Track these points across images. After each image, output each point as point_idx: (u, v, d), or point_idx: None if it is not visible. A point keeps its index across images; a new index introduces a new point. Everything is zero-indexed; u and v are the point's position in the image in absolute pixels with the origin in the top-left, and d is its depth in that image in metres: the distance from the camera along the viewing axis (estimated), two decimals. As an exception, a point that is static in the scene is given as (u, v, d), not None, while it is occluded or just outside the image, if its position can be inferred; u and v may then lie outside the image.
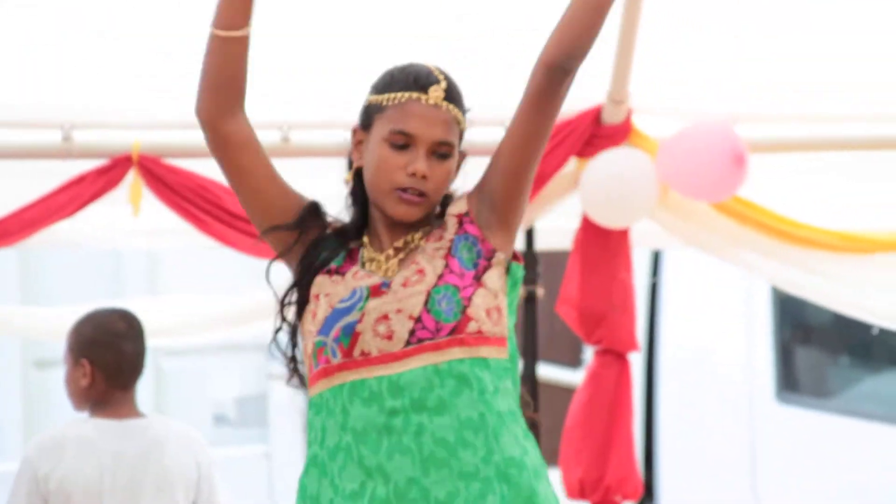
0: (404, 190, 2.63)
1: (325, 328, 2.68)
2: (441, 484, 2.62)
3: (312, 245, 2.77)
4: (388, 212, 2.67)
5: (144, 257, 10.58)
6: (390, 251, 2.72)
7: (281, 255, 2.77)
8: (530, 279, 4.91)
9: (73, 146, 5.07)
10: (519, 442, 2.69)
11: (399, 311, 2.64)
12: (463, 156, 2.72)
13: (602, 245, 4.81)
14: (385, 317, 2.66)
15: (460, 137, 2.74)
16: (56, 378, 5.46)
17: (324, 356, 2.66)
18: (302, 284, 2.73)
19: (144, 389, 6.21)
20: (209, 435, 7.63)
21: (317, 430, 2.73)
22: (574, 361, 8.40)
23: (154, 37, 4.96)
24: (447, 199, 2.77)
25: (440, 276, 2.67)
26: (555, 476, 4.42)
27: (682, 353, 8.62)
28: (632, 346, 5.20)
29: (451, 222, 2.74)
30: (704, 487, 8.36)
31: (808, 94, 4.97)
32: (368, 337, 2.65)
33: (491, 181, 2.74)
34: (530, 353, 5.32)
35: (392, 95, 2.71)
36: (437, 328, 2.64)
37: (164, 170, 5.09)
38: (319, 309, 2.68)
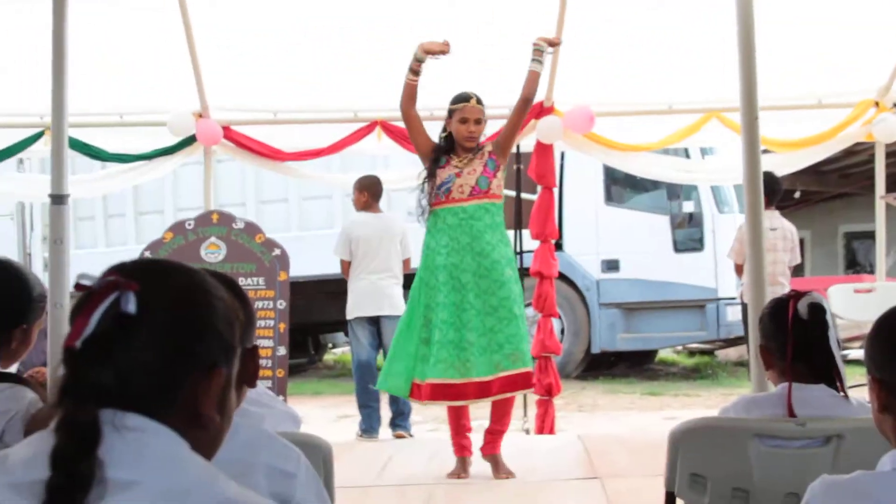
0: (467, 138, 5.85)
1: (440, 187, 5.85)
2: (478, 244, 5.77)
3: (434, 155, 5.95)
4: (463, 145, 5.84)
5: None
6: (463, 160, 5.89)
7: (425, 157, 5.96)
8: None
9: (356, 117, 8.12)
10: (504, 242, 5.92)
11: (467, 182, 5.82)
12: (485, 122, 5.91)
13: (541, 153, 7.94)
14: (462, 184, 5.83)
15: (484, 114, 5.89)
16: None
17: (438, 198, 5.87)
18: (432, 171, 5.91)
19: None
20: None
21: (431, 224, 5.90)
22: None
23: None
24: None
25: (482, 172, 5.84)
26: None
27: None
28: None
29: (486, 152, 5.90)
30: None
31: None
32: (455, 192, 5.81)
33: (501, 139, 6.05)
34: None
35: (457, 105, 5.88)
36: (481, 191, 5.82)
37: (395, 128, 7.95)
38: (440, 177, 5.87)
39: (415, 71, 5.90)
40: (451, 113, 5.92)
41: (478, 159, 5.91)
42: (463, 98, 5.91)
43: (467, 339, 5.74)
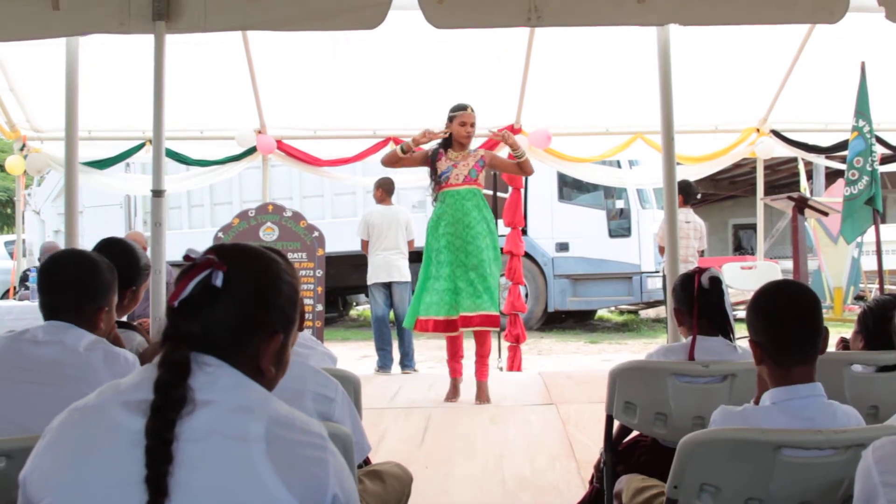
0: (464, 136, 5.77)
1: (440, 175, 5.81)
2: (468, 218, 5.72)
3: (431, 157, 5.84)
4: (459, 141, 5.76)
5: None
6: (459, 156, 5.81)
7: (424, 164, 5.87)
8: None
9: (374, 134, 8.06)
10: (487, 217, 5.83)
11: (462, 172, 5.76)
12: (475, 125, 5.78)
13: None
14: (458, 173, 5.78)
15: (475, 119, 5.78)
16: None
17: (440, 184, 5.81)
18: (433, 166, 5.84)
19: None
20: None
21: (437, 205, 5.86)
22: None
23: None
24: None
25: (473, 166, 5.79)
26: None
27: None
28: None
29: (479, 156, 5.89)
30: None
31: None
32: (454, 178, 5.76)
33: (494, 162, 6.05)
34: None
35: (457, 112, 5.78)
36: (471, 180, 5.79)
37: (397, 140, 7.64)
38: (440, 168, 5.80)
39: (406, 150, 5.82)
40: (451, 118, 5.84)
41: (471, 157, 5.82)
42: (461, 107, 5.83)
43: (458, 286, 5.69)
